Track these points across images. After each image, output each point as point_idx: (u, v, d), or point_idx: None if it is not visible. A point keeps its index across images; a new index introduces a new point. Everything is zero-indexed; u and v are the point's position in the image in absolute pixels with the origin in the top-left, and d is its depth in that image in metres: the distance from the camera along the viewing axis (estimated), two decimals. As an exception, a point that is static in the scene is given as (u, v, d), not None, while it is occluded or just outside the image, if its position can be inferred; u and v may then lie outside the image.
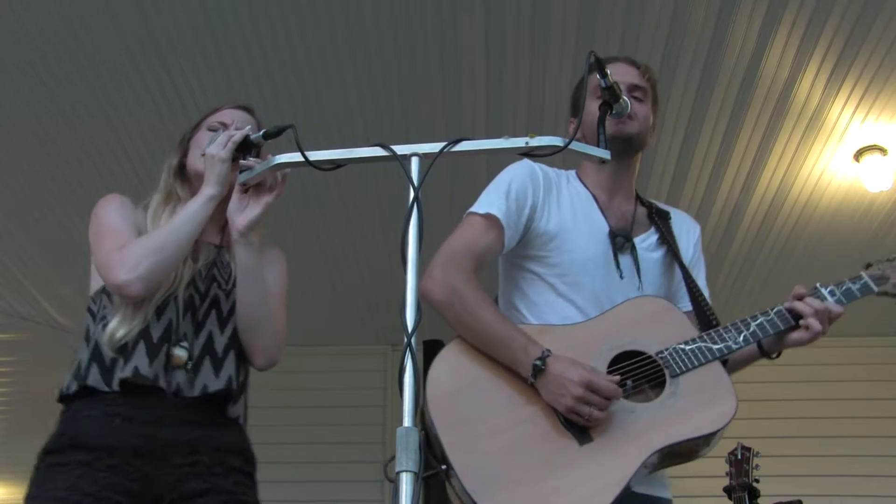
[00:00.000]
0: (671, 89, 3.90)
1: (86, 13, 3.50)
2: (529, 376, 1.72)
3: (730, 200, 4.70)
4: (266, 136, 1.89)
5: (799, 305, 1.86)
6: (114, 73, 3.80)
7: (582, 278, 1.93)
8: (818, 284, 1.91)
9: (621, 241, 1.98)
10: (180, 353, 1.84)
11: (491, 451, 1.65)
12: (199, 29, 3.60)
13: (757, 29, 3.60)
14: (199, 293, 1.93)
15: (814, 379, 5.62)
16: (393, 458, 1.41)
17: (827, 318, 1.86)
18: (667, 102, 3.95)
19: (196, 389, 1.84)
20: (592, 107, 1.95)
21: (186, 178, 2.05)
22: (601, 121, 1.79)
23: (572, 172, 2.13)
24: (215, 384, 1.86)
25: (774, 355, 1.95)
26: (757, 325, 1.86)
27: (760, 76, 3.85)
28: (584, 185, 2.07)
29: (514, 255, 2.01)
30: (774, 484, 3.84)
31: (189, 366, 1.84)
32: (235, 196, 1.89)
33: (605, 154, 1.65)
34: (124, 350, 1.80)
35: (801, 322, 1.85)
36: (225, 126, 2.03)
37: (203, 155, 1.94)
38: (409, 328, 1.32)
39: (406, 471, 1.24)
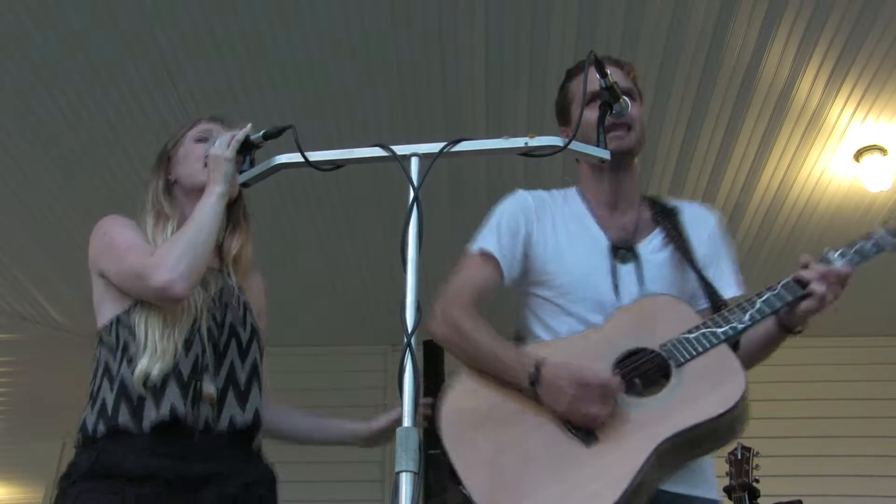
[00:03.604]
0: (671, 89, 3.90)
1: (86, 14, 3.50)
2: (528, 387, 1.74)
3: (730, 200, 4.70)
4: (266, 137, 1.89)
5: (802, 272, 1.80)
6: (114, 73, 3.80)
7: (586, 293, 1.94)
8: (826, 249, 1.84)
9: (623, 252, 1.97)
10: (210, 388, 1.83)
11: (502, 467, 1.68)
12: (199, 29, 3.60)
13: (757, 29, 3.60)
14: (216, 323, 1.90)
15: (814, 379, 5.63)
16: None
17: (835, 280, 1.79)
18: (667, 102, 3.95)
19: (223, 423, 1.82)
20: (590, 116, 1.94)
21: (174, 196, 2.02)
22: (601, 120, 1.78)
23: (572, 190, 2.12)
24: (242, 418, 1.84)
25: (798, 329, 1.85)
26: (763, 302, 1.80)
27: (760, 76, 3.85)
28: (584, 201, 2.07)
29: (523, 283, 2.04)
30: (774, 484, 3.84)
31: (215, 400, 1.83)
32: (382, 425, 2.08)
33: (604, 154, 1.65)
34: (153, 388, 1.77)
35: (809, 288, 1.78)
36: (210, 133, 2.03)
37: (206, 157, 1.94)
38: (409, 328, 1.32)
39: (406, 471, 1.23)
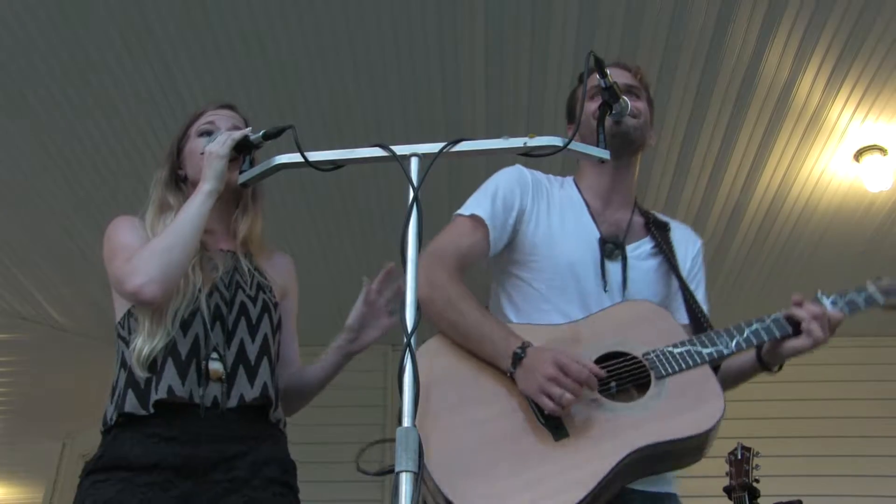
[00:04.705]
0: (671, 89, 3.90)
1: (85, 13, 3.51)
2: (509, 366, 1.70)
3: (730, 200, 4.70)
4: (266, 137, 1.89)
5: (797, 311, 1.81)
6: (113, 72, 3.80)
7: (568, 282, 1.92)
8: (819, 292, 1.86)
9: (611, 248, 1.96)
10: (216, 366, 1.83)
11: (463, 443, 1.64)
12: (198, 29, 3.60)
13: (757, 29, 3.60)
14: (225, 302, 1.92)
15: (814, 379, 5.61)
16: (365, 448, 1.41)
17: (827, 324, 1.80)
18: (667, 102, 3.95)
19: (233, 400, 1.83)
20: (591, 107, 1.94)
21: (179, 188, 2.05)
22: (601, 121, 1.78)
23: (569, 179, 2.12)
24: (251, 393, 1.85)
25: (776, 368, 1.88)
26: (751, 332, 1.81)
27: (760, 76, 3.85)
28: (580, 191, 2.06)
29: (502, 259, 2.00)
30: (774, 484, 3.84)
31: (224, 377, 1.83)
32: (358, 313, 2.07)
33: (604, 154, 1.65)
34: (154, 368, 1.80)
35: (802, 327, 1.80)
36: (214, 125, 2.04)
37: (202, 153, 1.95)
38: (409, 328, 1.32)
39: (406, 471, 1.23)
